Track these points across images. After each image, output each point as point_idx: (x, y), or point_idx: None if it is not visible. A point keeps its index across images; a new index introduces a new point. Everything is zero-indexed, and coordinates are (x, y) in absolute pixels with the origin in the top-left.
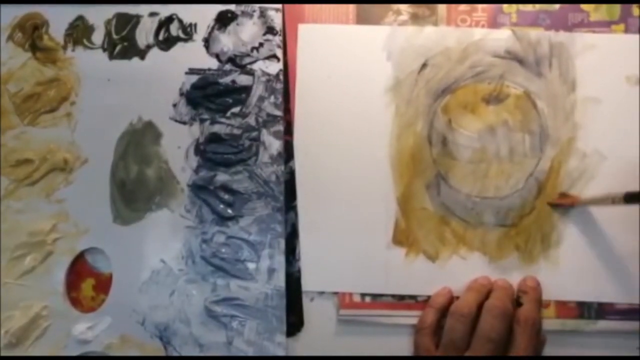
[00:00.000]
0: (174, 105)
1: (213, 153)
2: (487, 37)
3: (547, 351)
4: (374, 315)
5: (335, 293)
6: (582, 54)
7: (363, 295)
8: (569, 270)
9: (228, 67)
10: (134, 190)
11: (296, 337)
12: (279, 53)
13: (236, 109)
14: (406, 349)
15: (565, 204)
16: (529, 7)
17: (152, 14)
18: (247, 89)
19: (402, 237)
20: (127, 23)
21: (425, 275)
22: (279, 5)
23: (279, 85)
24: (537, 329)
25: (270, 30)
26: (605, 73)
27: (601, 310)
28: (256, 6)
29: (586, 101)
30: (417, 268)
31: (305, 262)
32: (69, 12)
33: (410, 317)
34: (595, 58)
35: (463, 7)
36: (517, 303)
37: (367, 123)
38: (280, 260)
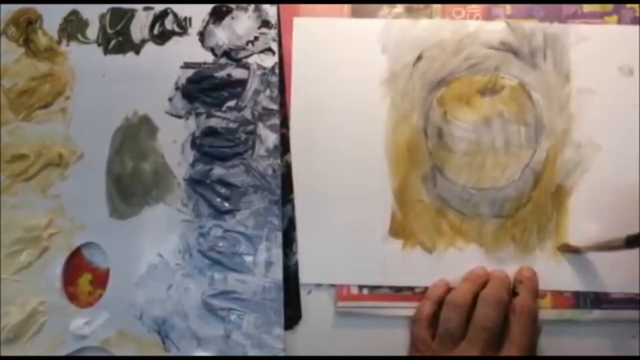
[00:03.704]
0: (170, 100)
1: (209, 147)
2: (482, 29)
3: (544, 341)
4: (372, 307)
5: (333, 285)
6: (576, 45)
7: (360, 287)
8: (565, 260)
9: (223, 60)
10: (130, 185)
11: (294, 329)
12: (274, 46)
13: (232, 103)
14: (404, 341)
15: (571, 250)
16: None
17: (147, 9)
18: (242, 83)
19: (399, 229)
20: (121, 17)
21: (422, 266)
22: None
23: (275, 79)
24: (532, 318)
25: (266, 23)
26: (599, 64)
27: (597, 300)
28: None
29: (581, 92)
30: (414, 260)
31: (303, 255)
32: (63, 7)
33: (408, 309)
34: (589, 49)
35: None
36: (514, 293)
37: (363, 116)
38: (277, 253)
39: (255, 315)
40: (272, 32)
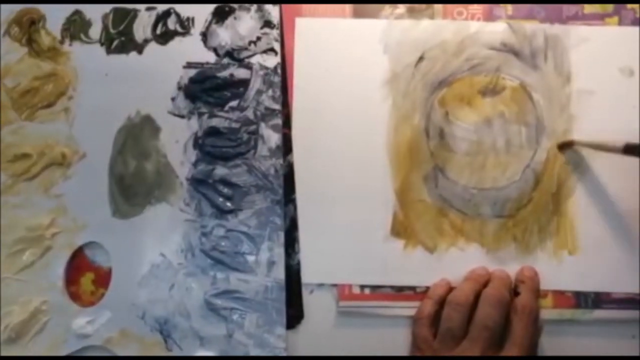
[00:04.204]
0: (172, 99)
1: (212, 147)
2: (483, 29)
3: (545, 340)
4: (373, 306)
5: (335, 285)
6: (577, 47)
7: (362, 286)
8: (565, 260)
9: (226, 60)
10: (133, 185)
11: (296, 329)
12: (277, 46)
13: (234, 103)
14: (405, 340)
15: (567, 145)
16: None
17: (149, 9)
18: (245, 83)
19: (401, 229)
20: (124, 17)
21: (424, 266)
22: None
23: (277, 79)
24: (534, 318)
25: (268, 24)
26: (599, 65)
27: (598, 300)
28: None
29: (581, 93)
30: (416, 259)
31: (305, 255)
32: (66, 7)
33: (409, 308)
34: (589, 50)
35: None
36: (515, 292)
37: (365, 116)
38: (279, 252)
39: (257, 315)
40: (275, 32)
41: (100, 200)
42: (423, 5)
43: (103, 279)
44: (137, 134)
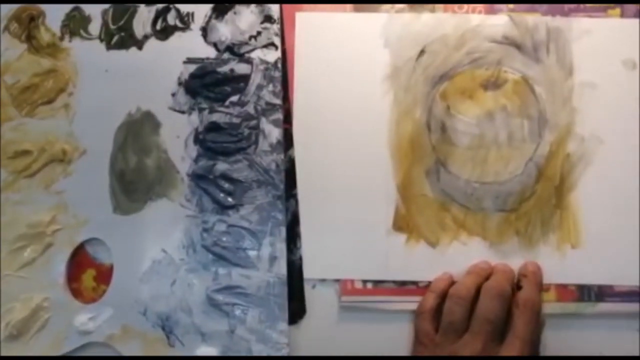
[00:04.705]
0: (173, 95)
1: (212, 142)
2: (485, 23)
3: (548, 334)
4: (376, 301)
5: (337, 280)
6: (579, 39)
7: (364, 281)
8: (568, 253)
9: (226, 55)
10: (134, 181)
11: (298, 324)
12: (277, 41)
13: (235, 98)
14: (408, 334)
15: None
16: None
17: (149, 4)
18: (245, 78)
19: (403, 224)
20: (124, 13)
21: (426, 261)
22: None
23: (278, 74)
24: (536, 312)
25: (268, 18)
26: (602, 58)
27: (601, 293)
28: None
29: (583, 86)
30: (418, 254)
31: (307, 250)
32: (65, 3)
33: (412, 303)
34: (592, 43)
35: None
36: (517, 287)
37: (366, 110)
38: (281, 248)
39: (259, 310)
40: (275, 27)
41: (101, 196)
42: None
43: (104, 275)
44: (138, 130)
